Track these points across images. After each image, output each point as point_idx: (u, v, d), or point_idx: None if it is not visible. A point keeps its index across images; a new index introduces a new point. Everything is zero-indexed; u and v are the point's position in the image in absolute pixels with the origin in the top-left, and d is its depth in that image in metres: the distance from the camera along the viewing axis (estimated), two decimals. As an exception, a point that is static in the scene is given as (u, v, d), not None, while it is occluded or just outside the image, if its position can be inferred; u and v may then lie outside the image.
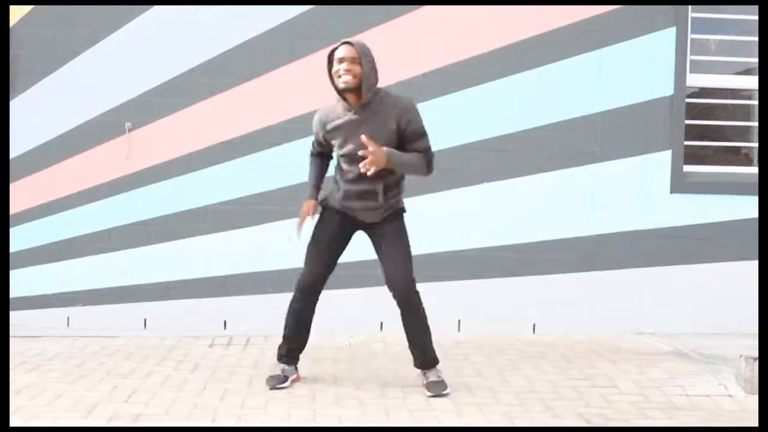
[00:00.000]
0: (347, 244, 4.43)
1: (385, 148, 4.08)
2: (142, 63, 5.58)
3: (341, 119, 4.24)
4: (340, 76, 4.14)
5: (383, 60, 5.11)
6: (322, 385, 4.45)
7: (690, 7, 5.82)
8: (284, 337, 4.45)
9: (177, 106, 5.62)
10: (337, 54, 4.16)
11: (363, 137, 4.06)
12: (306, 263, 4.36)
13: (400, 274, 4.22)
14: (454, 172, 5.60)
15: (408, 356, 4.95)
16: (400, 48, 5.63)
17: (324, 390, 4.35)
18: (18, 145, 5.54)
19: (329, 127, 4.29)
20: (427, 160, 4.23)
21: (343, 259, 5.26)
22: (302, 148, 5.63)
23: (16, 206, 5.56)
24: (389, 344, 5.38)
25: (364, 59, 4.13)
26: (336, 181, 4.37)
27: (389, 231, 4.29)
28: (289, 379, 4.43)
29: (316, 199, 4.49)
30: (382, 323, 5.66)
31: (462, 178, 5.69)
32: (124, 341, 5.46)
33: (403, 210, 4.39)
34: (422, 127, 4.21)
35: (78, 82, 5.56)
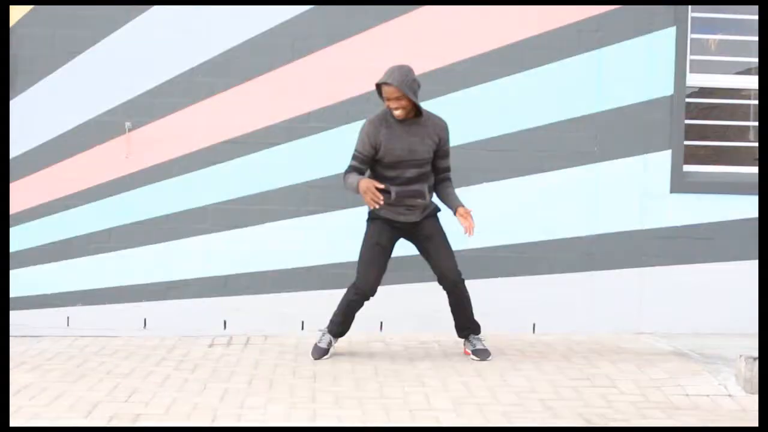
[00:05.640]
0: (393, 251, 4.91)
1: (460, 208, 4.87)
2: (142, 63, 5.58)
3: (393, 129, 4.76)
4: (391, 109, 4.71)
5: (383, 60, 5.11)
6: (322, 384, 4.44)
7: (690, 6, 5.82)
8: (337, 323, 4.96)
9: (177, 106, 5.61)
10: (383, 93, 4.68)
11: (461, 209, 4.85)
12: (366, 268, 4.80)
13: (452, 265, 4.85)
14: (454, 172, 5.58)
15: (408, 356, 4.95)
16: (400, 48, 5.62)
17: (324, 390, 4.34)
18: (18, 145, 5.54)
19: (382, 137, 4.74)
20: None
21: (342, 258, 5.26)
22: (303, 148, 5.67)
23: (16, 206, 5.56)
24: (389, 344, 5.38)
25: (407, 91, 4.60)
26: (385, 190, 4.74)
27: (434, 231, 4.87)
28: (330, 352, 4.98)
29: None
30: (381, 323, 5.65)
31: (462, 178, 5.67)
32: (124, 341, 5.45)
33: (438, 209, 4.96)
34: (449, 148, 4.93)
35: (78, 82, 5.56)
